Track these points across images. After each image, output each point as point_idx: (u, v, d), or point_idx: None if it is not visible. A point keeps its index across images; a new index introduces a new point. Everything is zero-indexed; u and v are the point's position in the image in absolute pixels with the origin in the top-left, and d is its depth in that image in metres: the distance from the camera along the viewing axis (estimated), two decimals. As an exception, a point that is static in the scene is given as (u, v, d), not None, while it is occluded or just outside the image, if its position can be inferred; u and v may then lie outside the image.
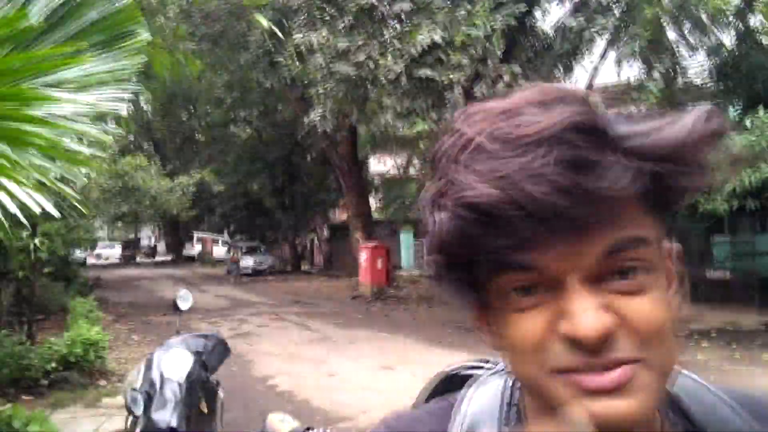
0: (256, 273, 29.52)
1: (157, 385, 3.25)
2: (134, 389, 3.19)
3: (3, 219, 2.87)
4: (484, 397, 0.73)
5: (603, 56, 19.54)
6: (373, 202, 30.64)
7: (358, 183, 21.59)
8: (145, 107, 35.42)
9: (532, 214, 0.54)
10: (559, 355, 0.58)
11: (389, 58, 11.78)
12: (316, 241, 37.40)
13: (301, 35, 13.18)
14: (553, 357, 0.58)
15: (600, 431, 0.56)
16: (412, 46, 11.34)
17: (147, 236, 54.79)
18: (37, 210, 2.69)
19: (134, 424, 3.28)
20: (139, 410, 3.15)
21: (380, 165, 33.52)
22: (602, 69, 27.38)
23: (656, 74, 11.01)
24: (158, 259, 43.41)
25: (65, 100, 2.39)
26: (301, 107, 19.72)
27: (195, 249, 42.12)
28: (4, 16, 2.42)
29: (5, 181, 2.63)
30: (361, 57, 12.33)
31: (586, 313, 0.56)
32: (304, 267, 35.18)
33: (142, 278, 28.47)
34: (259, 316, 15.65)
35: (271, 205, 36.58)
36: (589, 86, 21.66)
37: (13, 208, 2.86)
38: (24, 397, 6.79)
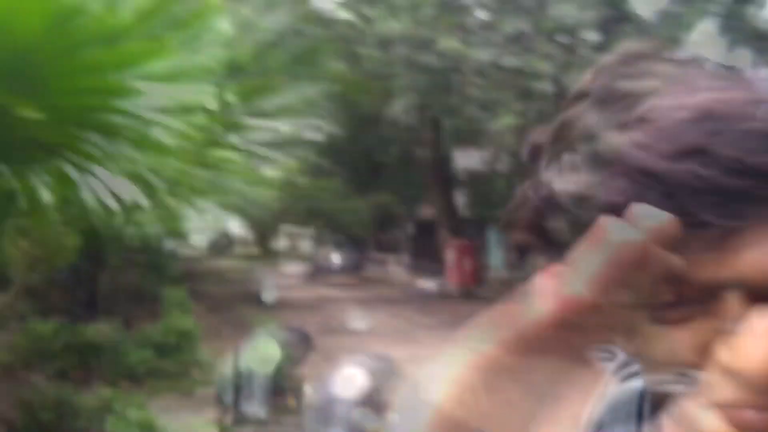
0: (343, 270, 29.92)
1: (246, 377, 3.29)
2: (225, 380, 3.26)
3: (96, 206, 2.96)
4: None
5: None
6: (460, 198, 30.36)
7: (443, 178, 21.39)
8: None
9: None
10: (715, 387, 0.43)
11: (474, 47, 11.56)
12: (403, 238, 37.43)
13: (382, 23, 13.12)
14: (706, 387, 0.44)
15: None
16: (498, 34, 11.08)
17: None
18: (127, 198, 2.76)
19: (224, 412, 3.33)
20: (229, 400, 3.21)
21: (466, 159, 33.05)
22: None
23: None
24: (247, 250, 44.48)
25: (151, 93, 2.42)
26: (382, 100, 19.70)
27: (281, 243, 42.87)
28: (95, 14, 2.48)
29: (97, 170, 2.70)
30: (445, 46, 12.15)
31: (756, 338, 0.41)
32: (392, 267, 35.25)
33: (229, 270, 29.29)
34: (345, 313, 15.73)
35: (356, 202, 36.84)
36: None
37: (105, 196, 2.95)
38: (122, 383, 7.06)
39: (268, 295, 4.38)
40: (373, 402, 3.40)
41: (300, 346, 3.70)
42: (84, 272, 9.45)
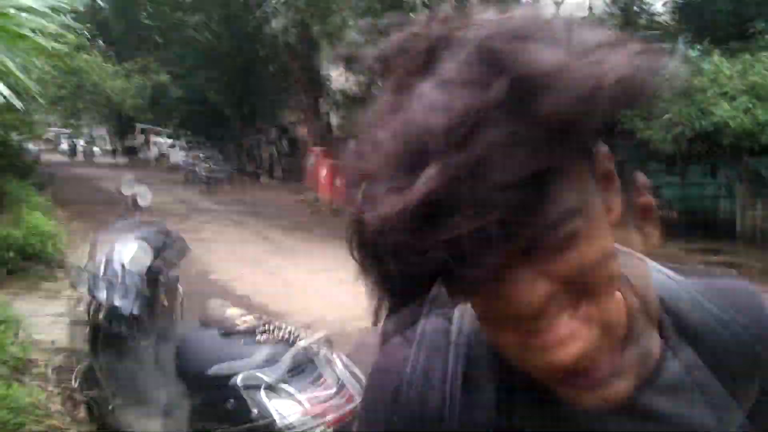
0: (214, 181, 29.34)
1: (119, 275, 3.41)
2: (97, 276, 3.35)
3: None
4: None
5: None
6: (335, 119, 30.39)
7: (318, 98, 21.34)
8: (102, 3, 33.74)
9: None
10: (540, 363, 0.56)
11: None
12: (275, 153, 37.17)
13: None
14: (536, 364, 0.56)
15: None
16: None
17: (102, 137, 53.42)
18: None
19: (97, 310, 3.45)
20: (101, 296, 3.32)
21: (342, 80, 32.95)
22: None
23: (616, 9, 10.95)
24: (113, 160, 42.52)
25: None
26: (262, 16, 19.21)
27: (152, 153, 41.45)
28: None
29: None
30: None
31: (567, 348, 0.53)
32: (264, 179, 35.02)
33: (97, 177, 28.05)
34: (216, 222, 15.75)
35: (231, 114, 36.00)
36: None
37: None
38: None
39: (143, 200, 4.41)
40: (161, 273, 3.68)
41: (174, 247, 3.83)
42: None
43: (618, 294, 0.57)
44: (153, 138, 41.73)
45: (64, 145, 43.22)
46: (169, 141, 40.39)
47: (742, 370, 0.70)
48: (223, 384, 2.91)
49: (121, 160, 37.30)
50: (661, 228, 0.69)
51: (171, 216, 16.29)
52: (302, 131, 30.64)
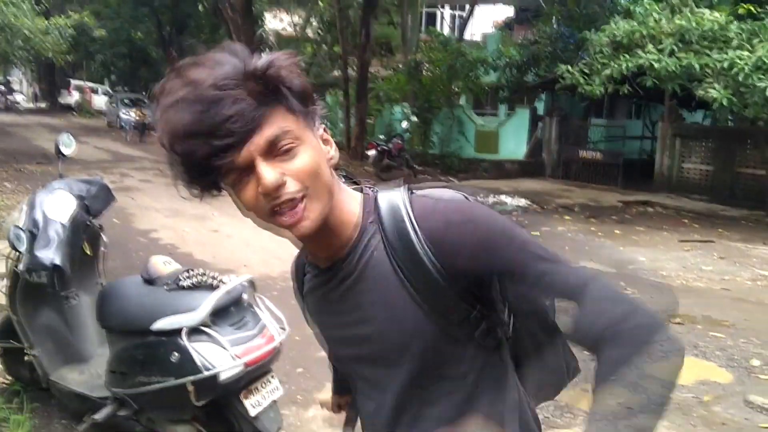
0: (139, 127, 28.46)
1: (41, 225, 3.36)
2: (18, 227, 3.29)
3: None
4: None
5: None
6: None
7: (251, 39, 20.77)
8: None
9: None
10: (264, 204, 1.03)
11: None
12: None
13: None
14: (262, 206, 1.03)
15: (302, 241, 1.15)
16: None
17: (18, 80, 50.89)
18: None
19: (17, 260, 3.41)
20: (22, 247, 3.28)
21: (276, 21, 32.26)
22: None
23: None
24: (32, 105, 40.65)
25: None
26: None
27: (73, 98, 39.69)
28: None
29: None
30: None
31: (265, 174, 0.99)
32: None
33: (15, 125, 26.85)
34: (142, 171, 15.41)
35: (157, 55, 34.77)
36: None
37: None
38: None
39: (67, 149, 4.30)
40: (84, 222, 3.69)
41: (98, 196, 3.79)
42: None
43: (324, 181, 1.05)
44: (74, 82, 39.97)
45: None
46: (92, 85, 38.85)
47: (422, 261, 1.07)
48: (144, 330, 2.94)
49: (43, 105, 35.70)
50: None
51: (94, 164, 15.86)
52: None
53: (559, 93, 14.98)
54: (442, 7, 31.73)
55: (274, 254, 7.71)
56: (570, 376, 1.37)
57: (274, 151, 1.00)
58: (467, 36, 25.80)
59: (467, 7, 24.10)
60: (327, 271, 1.17)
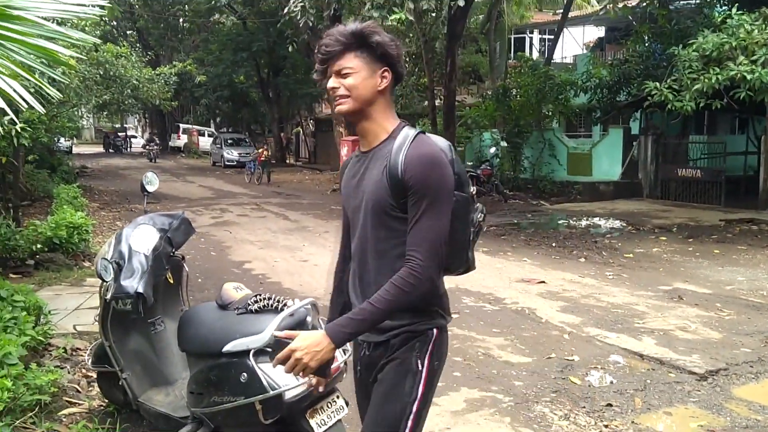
0: (240, 165, 29.76)
1: (126, 257, 3.62)
2: (105, 259, 3.57)
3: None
4: None
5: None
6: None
7: (342, 76, 21.35)
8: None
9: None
10: (332, 93, 1.98)
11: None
12: (301, 135, 37.43)
13: None
14: (331, 93, 1.99)
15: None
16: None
17: (134, 127, 54.42)
18: (19, 101, 2.96)
19: (106, 290, 3.68)
20: (108, 277, 3.54)
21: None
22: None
23: None
24: (145, 150, 43.34)
25: (45, 2, 2.61)
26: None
27: (181, 140, 42.05)
28: None
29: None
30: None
31: (329, 82, 1.97)
32: (289, 160, 35.41)
33: (128, 168, 28.69)
34: (240, 206, 16.09)
35: (257, 97, 36.35)
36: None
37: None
38: (12, 275, 7.21)
39: (151, 186, 4.64)
40: (167, 253, 3.89)
41: (179, 229, 4.04)
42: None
43: (360, 93, 1.94)
44: (182, 125, 42.29)
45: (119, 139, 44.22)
46: (198, 127, 40.96)
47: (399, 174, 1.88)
48: (217, 353, 3.11)
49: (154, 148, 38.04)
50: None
51: (197, 201, 16.70)
52: (327, 110, 30.85)
53: (650, 111, 14.50)
54: (531, 32, 31.51)
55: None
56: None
57: (340, 73, 1.93)
58: (558, 59, 25.49)
59: (556, 30, 23.82)
60: (365, 154, 2.02)
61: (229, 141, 33.00)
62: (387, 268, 1.92)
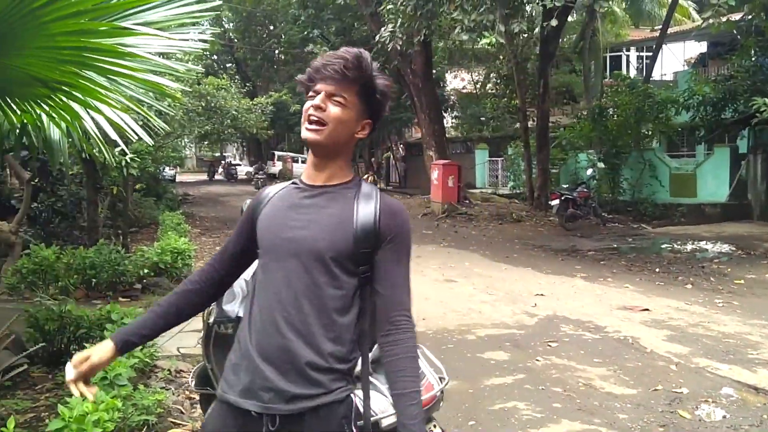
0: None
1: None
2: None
3: (100, 138, 3.36)
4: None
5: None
6: (449, 120, 30.52)
7: (432, 100, 21.50)
8: (226, 26, 36.07)
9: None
10: (306, 113, 1.77)
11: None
12: (391, 159, 37.77)
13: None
14: (306, 113, 1.77)
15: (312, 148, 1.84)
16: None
17: (232, 155, 56.54)
18: (130, 133, 3.14)
19: (208, 314, 3.81)
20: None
21: (457, 81, 33.16)
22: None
23: None
24: (241, 177, 44.93)
25: (153, 38, 2.77)
26: (374, 23, 19.72)
27: (276, 167, 43.29)
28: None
29: (102, 107, 3.08)
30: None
31: (319, 99, 1.75)
32: (380, 185, 35.75)
33: (228, 195, 29.77)
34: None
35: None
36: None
37: (109, 130, 3.34)
38: (120, 299, 7.59)
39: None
40: None
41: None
42: (84, 200, 9.90)
43: (338, 130, 1.76)
44: (277, 153, 43.61)
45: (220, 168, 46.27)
46: (293, 155, 42.13)
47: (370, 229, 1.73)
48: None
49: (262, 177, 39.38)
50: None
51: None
52: (417, 135, 31.05)
53: (759, 128, 13.75)
54: (627, 50, 30.65)
55: (452, 308, 7.80)
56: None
57: (331, 96, 1.74)
58: (656, 76, 24.68)
59: (654, 47, 23.06)
60: (313, 188, 1.80)
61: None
62: (325, 317, 1.70)
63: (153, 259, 8.40)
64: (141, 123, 4.05)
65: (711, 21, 11.07)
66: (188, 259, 8.98)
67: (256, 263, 4.02)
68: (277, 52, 36.81)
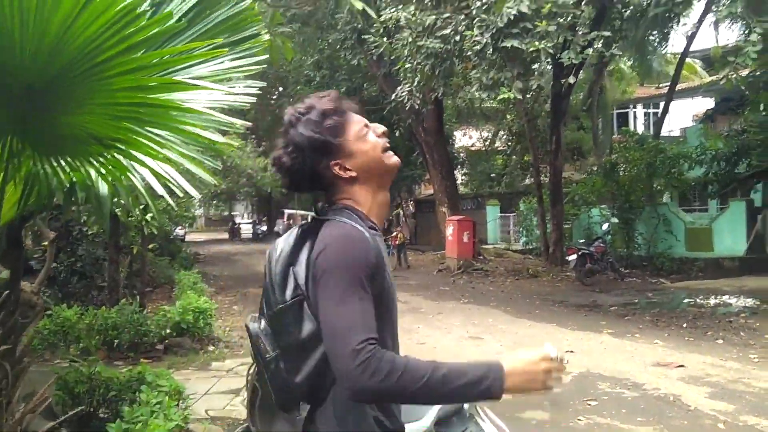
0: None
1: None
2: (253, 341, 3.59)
3: (144, 193, 3.30)
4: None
5: (700, 20, 18.77)
6: (459, 176, 30.69)
7: (444, 157, 21.69)
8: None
9: None
10: (383, 143, 1.69)
11: (475, 30, 11.76)
12: (402, 216, 37.83)
13: (389, 12, 13.44)
14: (382, 144, 1.69)
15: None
16: (498, 17, 11.28)
17: (241, 214, 56.74)
18: (179, 192, 3.09)
19: (256, 374, 3.68)
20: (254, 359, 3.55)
21: (466, 138, 33.54)
22: (700, 34, 26.26)
23: (754, 37, 10.44)
24: (245, 235, 44.96)
25: (204, 91, 2.76)
26: (387, 84, 20.02)
27: (283, 225, 43.39)
28: (152, 15, 2.79)
29: (150, 162, 3.04)
30: (448, 31, 12.42)
31: (379, 126, 1.73)
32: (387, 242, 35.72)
33: (238, 253, 29.71)
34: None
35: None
36: (686, 52, 20.90)
37: (156, 185, 3.29)
38: (143, 360, 7.44)
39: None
40: None
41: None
42: (103, 259, 9.85)
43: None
44: (286, 211, 43.74)
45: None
46: (302, 212, 42.23)
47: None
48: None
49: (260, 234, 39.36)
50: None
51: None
52: (427, 191, 31.18)
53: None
54: (634, 106, 31.03)
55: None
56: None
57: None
58: (664, 132, 24.89)
59: (662, 103, 23.31)
60: (377, 231, 1.65)
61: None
62: None
63: (175, 318, 8.28)
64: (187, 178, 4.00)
65: (730, 77, 11.19)
66: (209, 318, 8.85)
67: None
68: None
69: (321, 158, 1.62)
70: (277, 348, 1.62)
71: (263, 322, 1.69)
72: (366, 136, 1.68)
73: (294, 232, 1.70)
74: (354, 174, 1.65)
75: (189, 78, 2.83)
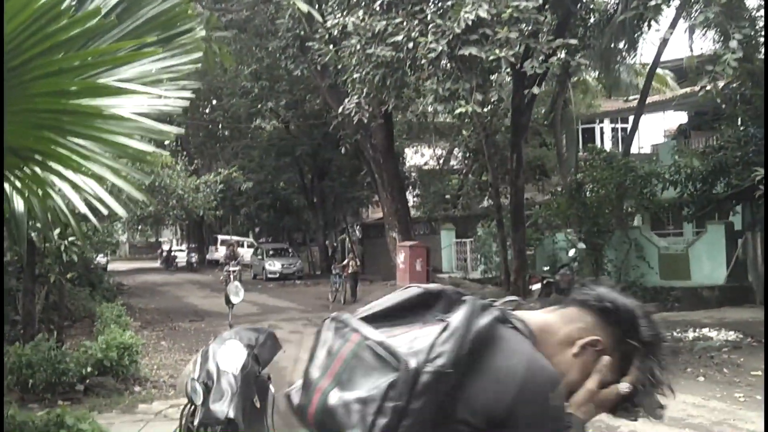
0: (284, 277, 30.02)
1: (215, 377, 3.60)
2: (194, 379, 3.55)
3: (67, 213, 3.23)
4: None
5: (672, 26, 19.26)
6: (411, 198, 30.87)
7: (394, 177, 21.77)
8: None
9: None
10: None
11: (429, 36, 11.82)
12: (347, 242, 37.77)
13: (335, 17, 13.51)
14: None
15: None
16: (455, 22, 11.38)
17: (168, 240, 55.87)
18: (104, 210, 3.03)
19: (192, 414, 3.64)
20: (198, 400, 3.51)
21: (418, 156, 33.67)
22: (671, 44, 27.11)
23: (733, 44, 10.71)
24: (181, 264, 44.24)
25: (132, 96, 2.73)
26: (332, 96, 20.06)
27: (219, 252, 42.81)
28: (74, 12, 2.75)
29: (75, 177, 2.98)
30: (400, 37, 12.47)
31: None
32: (336, 270, 35.56)
33: (166, 284, 29.21)
34: (290, 322, 16.07)
35: (299, 203, 37.16)
36: (656, 62, 21.49)
37: (78, 204, 3.21)
38: (61, 402, 7.24)
39: (236, 298, 4.73)
40: (254, 373, 3.82)
41: (266, 345, 4.02)
42: (15, 290, 9.57)
43: None
44: (220, 237, 43.25)
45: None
46: (238, 238, 41.82)
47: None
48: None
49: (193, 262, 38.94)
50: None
51: (243, 318, 16.76)
52: (376, 215, 31.25)
53: (759, 203, 13.97)
54: (601, 121, 31.78)
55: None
56: None
57: None
58: (634, 149, 25.52)
59: (631, 118, 23.92)
60: None
61: (271, 252, 33.29)
62: None
63: (97, 355, 8.11)
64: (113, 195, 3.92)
65: (708, 88, 11.44)
66: (135, 355, 8.68)
67: (243, 354, 3.89)
68: (220, 126, 37.12)
69: None
70: None
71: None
72: None
73: None
74: None
75: (115, 81, 2.81)
